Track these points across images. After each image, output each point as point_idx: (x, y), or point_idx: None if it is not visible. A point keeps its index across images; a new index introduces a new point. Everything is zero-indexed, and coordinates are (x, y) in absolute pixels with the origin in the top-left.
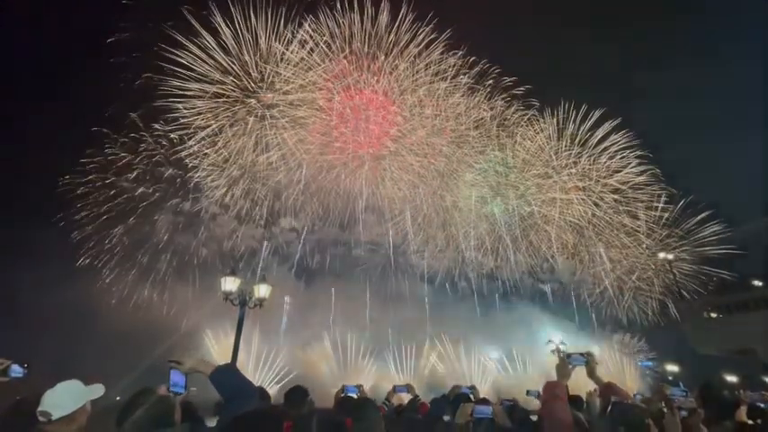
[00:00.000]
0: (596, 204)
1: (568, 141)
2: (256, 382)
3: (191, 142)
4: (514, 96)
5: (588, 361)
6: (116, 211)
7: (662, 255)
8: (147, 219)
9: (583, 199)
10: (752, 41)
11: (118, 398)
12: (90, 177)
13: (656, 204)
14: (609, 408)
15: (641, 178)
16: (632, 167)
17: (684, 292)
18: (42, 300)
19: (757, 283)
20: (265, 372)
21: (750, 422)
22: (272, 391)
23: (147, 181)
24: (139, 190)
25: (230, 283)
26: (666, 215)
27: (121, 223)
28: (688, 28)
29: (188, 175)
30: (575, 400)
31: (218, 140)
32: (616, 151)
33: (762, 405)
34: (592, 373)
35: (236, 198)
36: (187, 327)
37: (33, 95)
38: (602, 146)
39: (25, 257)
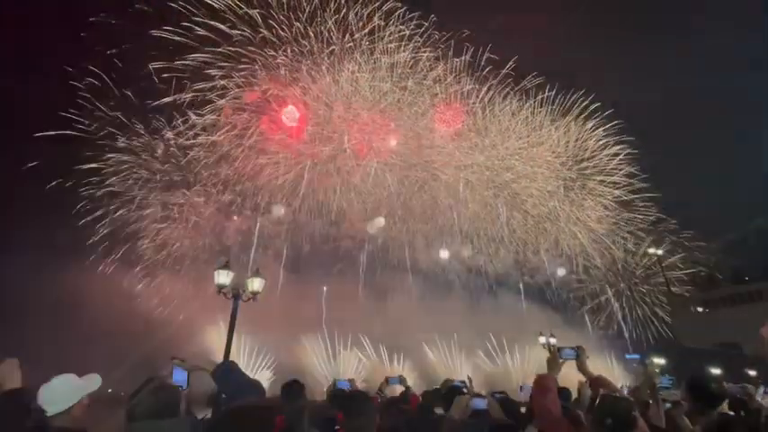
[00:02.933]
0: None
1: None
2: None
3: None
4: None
5: (579, 355)
6: (104, 202)
7: (651, 250)
8: (136, 210)
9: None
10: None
11: (109, 390)
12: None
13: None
14: (597, 400)
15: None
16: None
17: (672, 287)
18: (28, 292)
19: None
20: (258, 364)
21: (732, 413)
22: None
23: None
24: (128, 182)
25: (223, 277)
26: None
27: (110, 214)
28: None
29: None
30: (563, 392)
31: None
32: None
33: (744, 398)
34: (582, 367)
35: (227, 191)
36: (179, 319)
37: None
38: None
39: (6, 250)
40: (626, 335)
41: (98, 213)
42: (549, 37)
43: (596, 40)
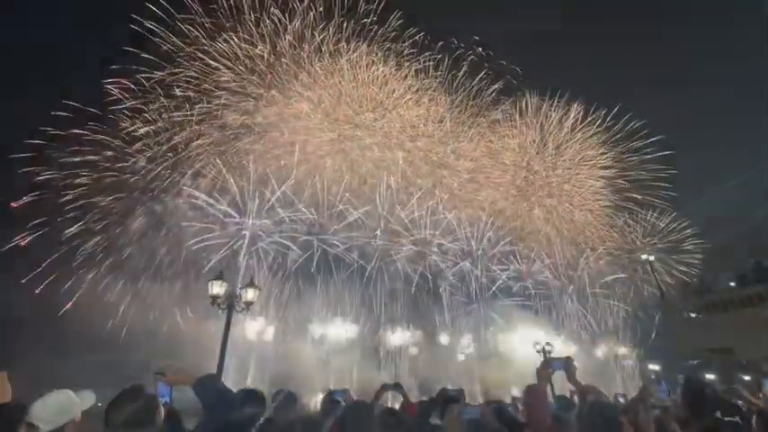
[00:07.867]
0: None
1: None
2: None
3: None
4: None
5: (567, 366)
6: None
7: (644, 256)
8: (122, 220)
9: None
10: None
11: (99, 404)
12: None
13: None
14: (585, 407)
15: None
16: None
17: (665, 292)
18: (12, 302)
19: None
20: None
21: (725, 419)
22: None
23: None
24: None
25: (217, 287)
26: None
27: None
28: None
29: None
30: (559, 401)
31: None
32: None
33: (740, 402)
34: (571, 378)
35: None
36: (167, 331)
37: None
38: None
39: None
40: (619, 341)
41: (82, 223)
42: None
43: None
